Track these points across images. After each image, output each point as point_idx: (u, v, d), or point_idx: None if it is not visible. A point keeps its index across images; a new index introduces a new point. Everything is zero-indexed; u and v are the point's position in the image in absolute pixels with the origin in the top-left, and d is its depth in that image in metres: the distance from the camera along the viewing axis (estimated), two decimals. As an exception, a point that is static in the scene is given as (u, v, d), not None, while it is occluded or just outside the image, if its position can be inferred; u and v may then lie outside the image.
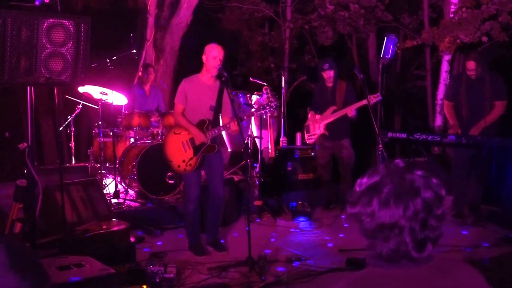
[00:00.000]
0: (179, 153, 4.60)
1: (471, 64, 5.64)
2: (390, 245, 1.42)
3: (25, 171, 3.47)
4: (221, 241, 4.93)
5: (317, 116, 6.32)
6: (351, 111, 5.99)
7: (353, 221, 1.50)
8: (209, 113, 4.64)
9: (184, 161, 4.58)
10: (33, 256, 1.49)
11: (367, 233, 1.46)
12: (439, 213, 1.42)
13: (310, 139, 6.43)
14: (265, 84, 6.39)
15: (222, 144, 4.85)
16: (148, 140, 6.47)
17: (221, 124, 4.72)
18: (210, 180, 4.77)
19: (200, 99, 4.62)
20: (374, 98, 5.57)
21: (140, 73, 7.17)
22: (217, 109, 4.68)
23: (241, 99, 7.03)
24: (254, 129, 6.86)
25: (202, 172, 4.90)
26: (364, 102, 5.83)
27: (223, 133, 6.52)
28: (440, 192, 1.44)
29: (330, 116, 6.18)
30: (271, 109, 4.73)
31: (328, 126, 6.22)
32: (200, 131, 4.57)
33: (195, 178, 4.67)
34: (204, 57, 4.60)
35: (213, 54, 4.53)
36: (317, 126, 6.32)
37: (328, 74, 6.19)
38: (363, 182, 1.48)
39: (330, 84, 6.25)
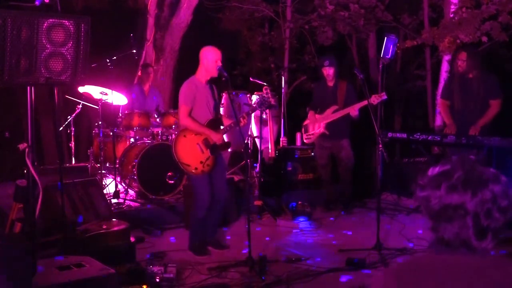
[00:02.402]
0: (196, 155, 4.57)
1: (462, 55, 5.59)
2: (453, 227, 1.47)
3: (25, 171, 3.47)
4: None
5: (317, 116, 6.31)
6: (354, 110, 5.98)
7: (420, 204, 1.56)
8: (213, 112, 4.73)
9: (201, 162, 4.56)
10: (20, 251, 1.49)
11: (432, 215, 1.52)
12: (504, 206, 1.46)
13: (308, 138, 6.42)
14: (265, 84, 6.38)
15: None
16: (148, 140, 6.47)
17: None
18: (214, 179, 4.74)
19: (206, 100, 4.68)
20: (378, 98, 5.41)
21: (139, 73, 7.17)
22: (217, 108, 4.75)
23: (241, 99, 7.03)
24: (254, 129, 6.86)
25: None
26: (366, 102, 5.82)
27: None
28: (508, 189, 1.49)
29: (331, 116, 6.16)
30: (271, 105, 4.78)
31: (328, 126, 6.21)
32: (214, 130, 4.64)
33: (207, 183, 4.63)
34: (204, 61, 4.62)
35: (214, 59, 4.59)
36: (316, 125, 6.31)
37: (328, 71, 6.16)
38: (435, 169, 1.54)
39: (330, 83, 6.24)
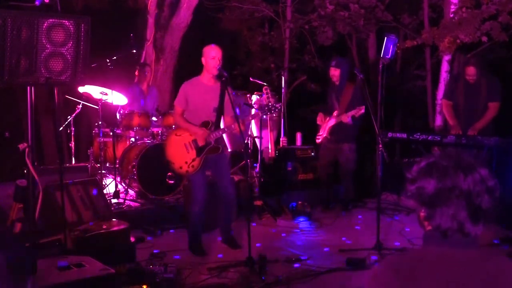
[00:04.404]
0: (182, 154, 4.61)
1: (471, 70, 5.69)
2: (449, 209, 1.51)
3: (25, 171, 3.47)
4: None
5: (327, 118, 6.35)
6: (345, 118, 6.00)
7: (413, 195, 1.59)
8: (212, 114, 4.66)
9: (186, 162, 4.59)
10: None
11: (427, 201, 1.56)
12: (491, 185, 1.53)
13: (318, 139, 6.46)
14: (265, 84, 6.38)
15: (224, 145, 4.86)
16: (148, 140, 6.47)
17: (222, 125, 4.74)
18: (219, 181, 4.80)
19: (203, 101, 4.63)
20: (358, 111, 5.74)
21: (136, 73, 7.16)
22: (220, 110, 4.68)
23: (241, 99, 7.02)
24: (254, 129, 6.86)
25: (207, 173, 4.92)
26: (354, 112, 5.85)
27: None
28: (492, 172, 1.56)
29: (331, 120, 6.20)
30: (276, 110, 4.75)
31: (332, 130, 6.22)
32: (204, 131, 4.59)
33: (201, 180, 4.68)
34: (203, 59, 4.62)
35: (211, 55, 4.54)
36: (323, 128, 6.35)
37: (333, 72, 6.17)
38: (421, 163, 1.60)
39: (336, 87, 6.23)
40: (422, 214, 1.59)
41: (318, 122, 6.48)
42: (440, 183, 1.53)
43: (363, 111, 5.64)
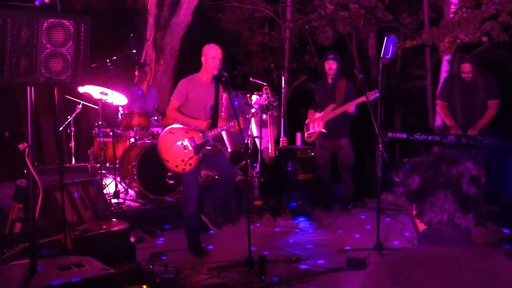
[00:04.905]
0: (178, 152, 4.58)
1: (466, 67, 5.69)
2: (438, 200, 1.53)
3: (25, 171, 3.47)
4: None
5: (317, 114, 6.32)
6: (350, 107, 5.98)
7: (402, 194, 1.63)
8: (209, 112, 4.68)
9: (183, 160, 4.57)
10: None
11: (415, 196, 1.58)
12: (476, 174, 1.54)
13: (309, 137, 6.44)
14: (265, 84, 6.38)
15: (221, 143, 4.90)
16: (148, 140, 6.47)
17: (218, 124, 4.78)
18: (220, 169, 4.88)
19: (202, 99, 4.66)
20: (372, 95, 5.51)
21: (136, 73, 7.16)
22: (216, 108, 4.72)
23: (241, 99, 7.02)
24: (254, 129, 6.86)
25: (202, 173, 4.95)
26: (363, 98, 5.83)
27: (223, 132, 6.54)
28: (478, 166, 1.58)
29: (329, 114, 6.18)
30: (273, 108, 4.78)
31: (328, 124, 6.21)
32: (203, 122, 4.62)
33: (194, 179, 4.68)
34: (203, 59, 4.64)
35: (211, 54, 4.56)
36: (316, 124, 6.32)
37: (331, 65, 6.17)
38: (407, 166, 1.64)
39: (330, 80, 6.23)
40: (414, 212, 1.60)
41: (309, 120, 6.45)
42: (424, 175, 1.56)
43: (378, 94, 5.55)
